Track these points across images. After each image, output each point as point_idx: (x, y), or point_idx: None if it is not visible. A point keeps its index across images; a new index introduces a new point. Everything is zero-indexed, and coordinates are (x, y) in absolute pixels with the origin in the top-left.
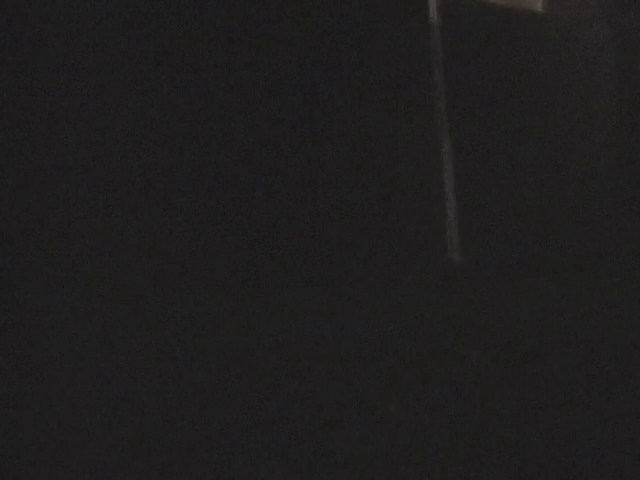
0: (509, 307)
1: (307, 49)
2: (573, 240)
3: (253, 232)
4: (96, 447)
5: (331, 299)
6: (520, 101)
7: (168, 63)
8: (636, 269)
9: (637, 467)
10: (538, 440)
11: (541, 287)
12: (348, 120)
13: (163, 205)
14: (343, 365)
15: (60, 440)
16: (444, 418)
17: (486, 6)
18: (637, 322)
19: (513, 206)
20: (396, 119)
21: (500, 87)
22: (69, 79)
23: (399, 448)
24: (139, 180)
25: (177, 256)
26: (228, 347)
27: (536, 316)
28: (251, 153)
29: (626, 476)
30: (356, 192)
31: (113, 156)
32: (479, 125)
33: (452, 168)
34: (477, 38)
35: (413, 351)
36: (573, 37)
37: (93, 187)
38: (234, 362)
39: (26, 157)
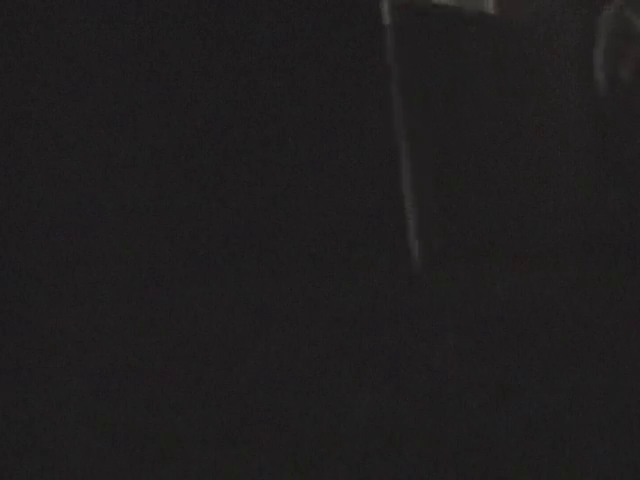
0: (483, 291)
1: (258, 52)
2: (543, 225)
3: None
4: (92, 445)
5: (302, 285)
6: (477, 100)
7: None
8: (602, 253)
9: (612, 446)
10: (514, 423)
11: (512, 272)
12: (304, 123)
13: (156, 195)
14: (317, 351)
15: (59, 440)
16: (420, 403)
17: (437, 8)
18: (604, 305)
19: (483, 196)
20: (352, 121)
21: (457, 84)
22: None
23: (374, 435)
24: (133, 173)
25: (170, 248)
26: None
27: (509, 300)
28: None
29: (607, 459)
30: (316, 191)
31: (107, 146)
32: (438, 123)
33: (412, 166)
34: (429, 40)
35: (388, 337)
36: (524, 38)
37: (86, 179)
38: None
39: (25, 156)
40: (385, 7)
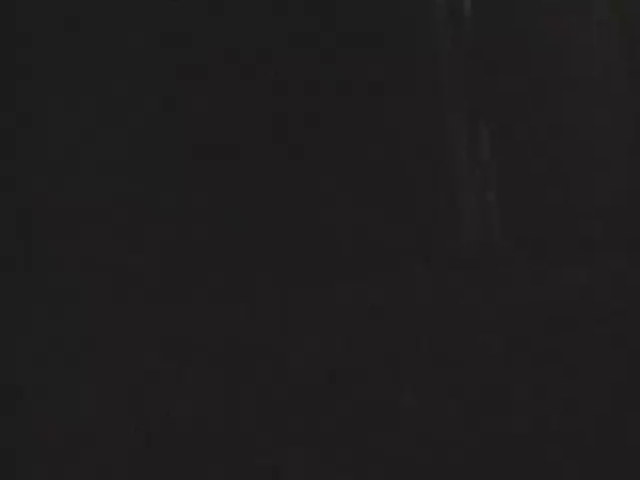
0: (526, 291)
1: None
2: (591, 223)
3: (269, 225)
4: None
5: (342, 285)
6: (542, 92)
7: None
8: None
9: None
10: (556, 425)
11: (557, 270)
12: (358, 110)
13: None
14: (358, 352)
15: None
16: (460, 405)
17: None
18: None
19: (535, 198)
20: (410, 112)
21: (521, 77)
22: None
23: (415, 437)
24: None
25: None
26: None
27: (553, 299)
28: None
29: None
30: (373, 186)
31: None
32: (498, 116)
33: (464, 152)
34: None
35: (428, 337)
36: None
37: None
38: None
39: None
40: None
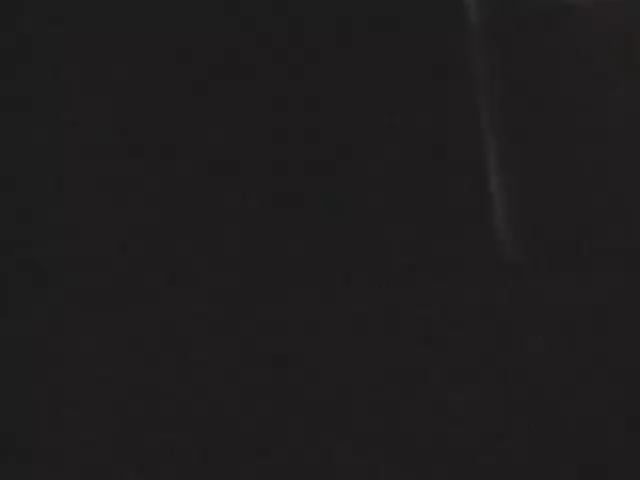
0: (564, 298)
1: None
2: (625, 234)
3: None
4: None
5: (382, 298)
6: (569, 95)
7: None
8: None
9: None
10: (599, 426)
11: (592, 280)
12: (389, 118)
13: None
14: (405, 355)
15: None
16: (506, 407)
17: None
18: None
19: (563, 203)
20: (439, 117)
21: (546, 80)
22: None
23: (461, 436)
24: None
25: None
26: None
27: (591, 306)
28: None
29: None
30: (402, 192)
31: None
32: (526, 121)
33: (499, 166)
34: (520, 29)
35: (472, 340)
36: (620, 31)
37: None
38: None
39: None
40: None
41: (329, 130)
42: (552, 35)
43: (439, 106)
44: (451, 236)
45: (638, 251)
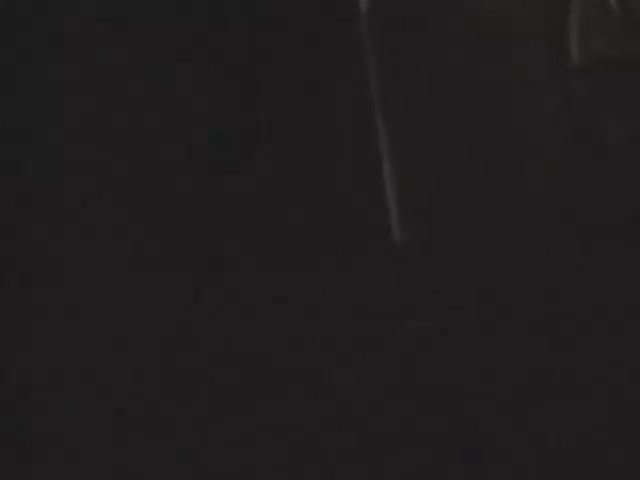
0: (452, 278)
1: (236, 41)
2: (512, 217)
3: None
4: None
5: (282, 279)
6: (455, 83)
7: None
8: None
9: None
10: (481, 404)
11: (478, 262)
12: (284, 111)
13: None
14: (297, 336)
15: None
16: (395, 387)
17: None
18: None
19: (451, 186)
20: (331, 108)
21: (437, 62)
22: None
23: (349, 417)
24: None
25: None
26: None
27: (479, 284)
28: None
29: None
30: (298, 182)
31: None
32: (414, 110)
33: (389, 153)
34: (406, 23)
35: (362, 322)
36: (498, 12)
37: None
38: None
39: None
40: None
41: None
42: (440, 17)
43: (332, 91)
44: (345, 220)
45: (522, 234)
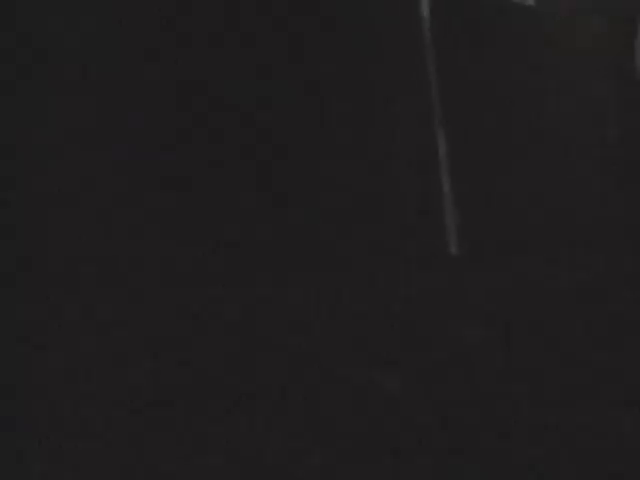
0: (506, 291)
1: (298, 45)
2: (570, 228)
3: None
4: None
5: (332, 286)
6: (515, 94)
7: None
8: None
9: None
10: (533, 412)
11: (537, 272)
12: (341, 115)
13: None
14: (344, 344)
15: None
16: (442, 393)
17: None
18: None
19: (510, 201)
20: (390, 114)
21: (495, 81)
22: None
23: (397, 422)
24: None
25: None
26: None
27: (530, 298)
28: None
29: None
30: (353, 188)
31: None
32: (474, 119)
33: (448, 163)
34: (469, 32)
35: (413, 330)
36: (567, 31)
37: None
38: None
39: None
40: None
41: (277, 121)
42: (499, 31)
43: (393, 106)
44: (402, 231)
45: (578, 250)
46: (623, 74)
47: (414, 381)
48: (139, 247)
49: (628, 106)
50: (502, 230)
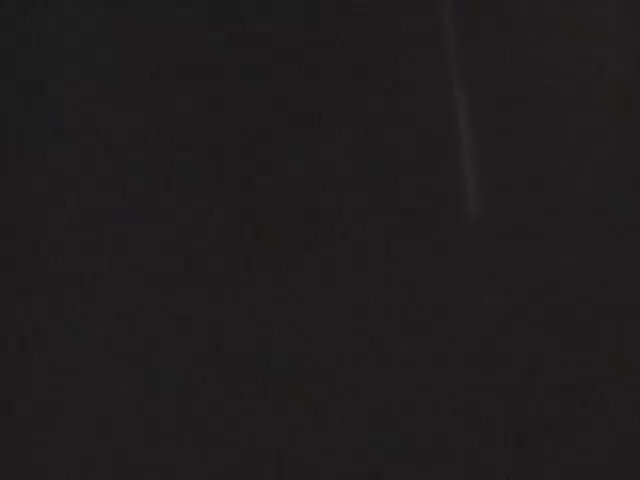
0: (527, 258)
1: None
2: (592, 193)
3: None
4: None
5: (348, 253)
6: (536, 48)
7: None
8: None
9: None
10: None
11: (557, 242)
12: (361, 83)
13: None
14: (365, 307)
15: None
16: (457, 361)
17: None
18: None
19: (531, 158)
20: (407, 70)
21: (514, 33)
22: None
23: (414, 388)
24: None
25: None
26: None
27: (548, 270)
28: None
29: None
30: (370, 149)
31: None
32: (494, 73)
33: (467, 119)
34: (487, 2)
35: (431, 295)
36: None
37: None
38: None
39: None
40: None
41: (296, 96)
42: None
43: (408, 63)
44: (420, 189)
45: (602, 214)
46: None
47: (429, 350)
48: (140, 245)
49: None
50: (525, 196)
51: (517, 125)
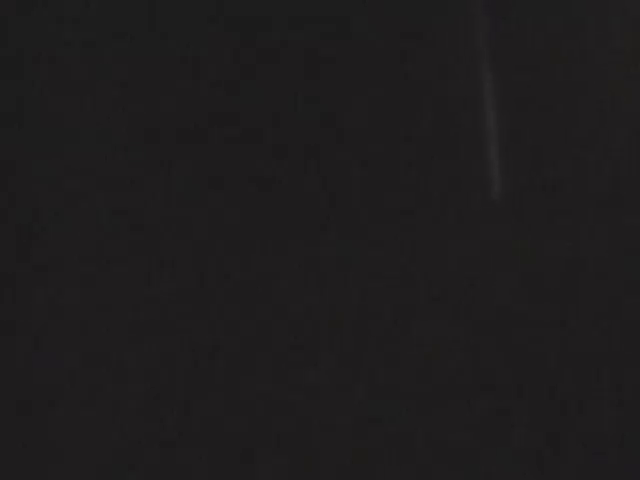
0: (544, 243)
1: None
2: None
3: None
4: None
5: (365, 236)
6: (566, 34)
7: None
8: None
9: None
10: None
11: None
12: (384, 55)
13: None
14: (390, 289)
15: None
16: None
17: None
18: None
19: (555, 143)
20: (434, 52)
21: (543, 19)
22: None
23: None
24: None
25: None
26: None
27: (569, 253)
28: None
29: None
30: (394, 130)
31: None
32: (522, 58)
33: (493, 102)
34: None
35: (455, 274)
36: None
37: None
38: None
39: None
40: None
41: (325, 81)
42: None
43: (437, 43)
44: (445, 171)
45: (621, 201)
46: None
47: (450, 332)
48: (139, 241)
49: None
50: (550, 178)
51: (543, 111)
